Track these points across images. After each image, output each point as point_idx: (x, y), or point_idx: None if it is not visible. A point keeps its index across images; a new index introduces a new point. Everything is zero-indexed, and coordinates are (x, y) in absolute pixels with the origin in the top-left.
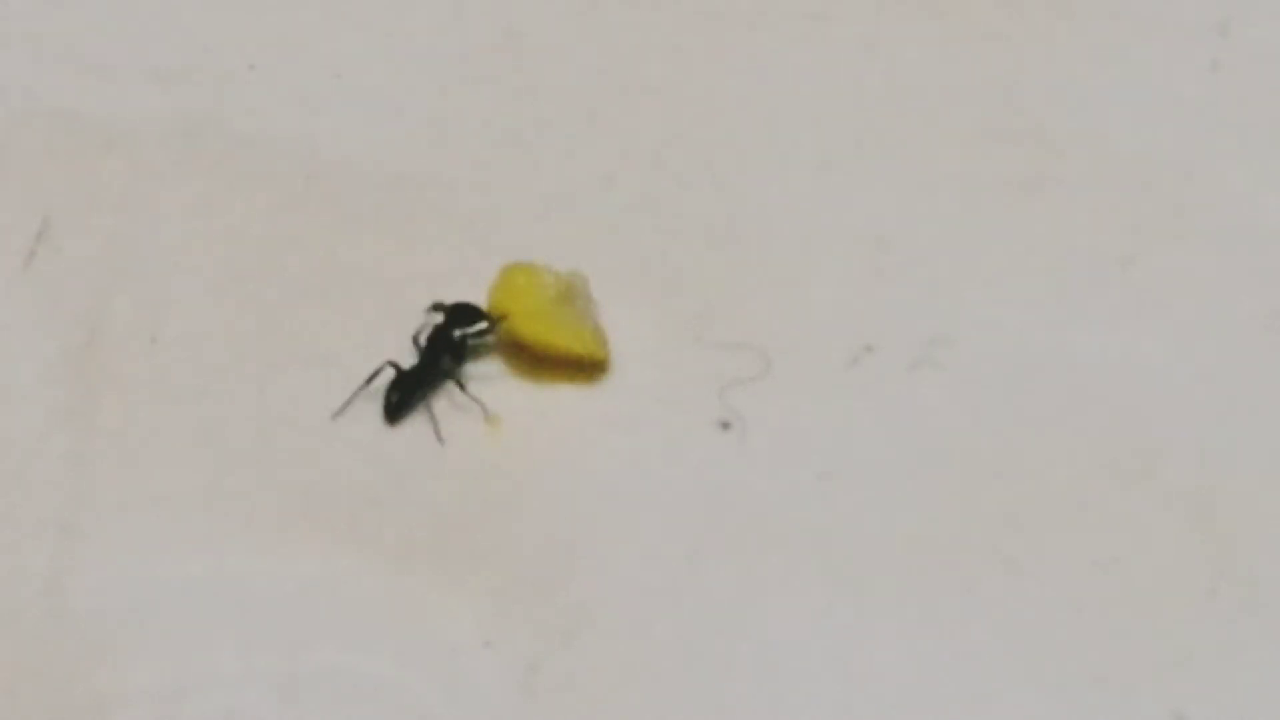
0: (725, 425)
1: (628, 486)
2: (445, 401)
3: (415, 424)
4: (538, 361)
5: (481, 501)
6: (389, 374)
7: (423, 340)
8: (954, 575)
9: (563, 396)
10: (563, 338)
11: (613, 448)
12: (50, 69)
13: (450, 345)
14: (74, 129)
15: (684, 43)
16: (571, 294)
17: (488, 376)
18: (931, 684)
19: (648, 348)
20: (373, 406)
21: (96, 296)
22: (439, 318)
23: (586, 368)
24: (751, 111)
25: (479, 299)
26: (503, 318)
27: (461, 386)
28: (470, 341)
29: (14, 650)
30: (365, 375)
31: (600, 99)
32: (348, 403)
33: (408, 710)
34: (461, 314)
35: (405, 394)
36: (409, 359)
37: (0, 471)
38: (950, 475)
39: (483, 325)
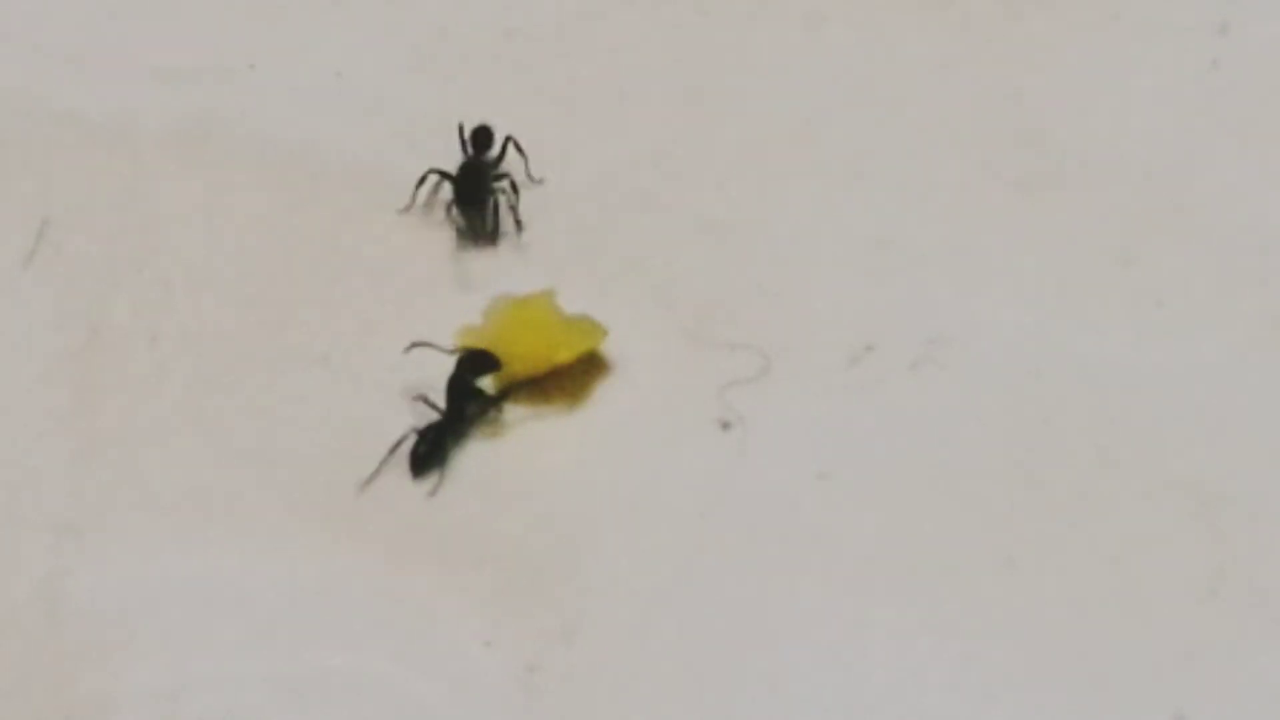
0: (725, 425)
1: (628, 486)
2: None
3: (415, 426)
4: (574, 378)
5: (481, 501)
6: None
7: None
8: (954, 575)
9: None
10: (589, 339)
11: (613, 448)
12: (50, 69)
13: (471, 392)
14: (74, 129)
15: (684, 43)
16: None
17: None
18: (931, 684)
19: (648, 348)
20: (375, 406)
21: (96, 296)
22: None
23: (596, 362)
24: (752, 111)
25: (477, 299)
26: (558, 360)
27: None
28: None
29: (14, 650)
30: (365, 375)
31: (600, 99)
32: (375, 472)
33: (408, 710)
34: (476, 361)
35: (432, 446)
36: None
37: (0, 471)
38: (950, 475)
39: (496, 371)
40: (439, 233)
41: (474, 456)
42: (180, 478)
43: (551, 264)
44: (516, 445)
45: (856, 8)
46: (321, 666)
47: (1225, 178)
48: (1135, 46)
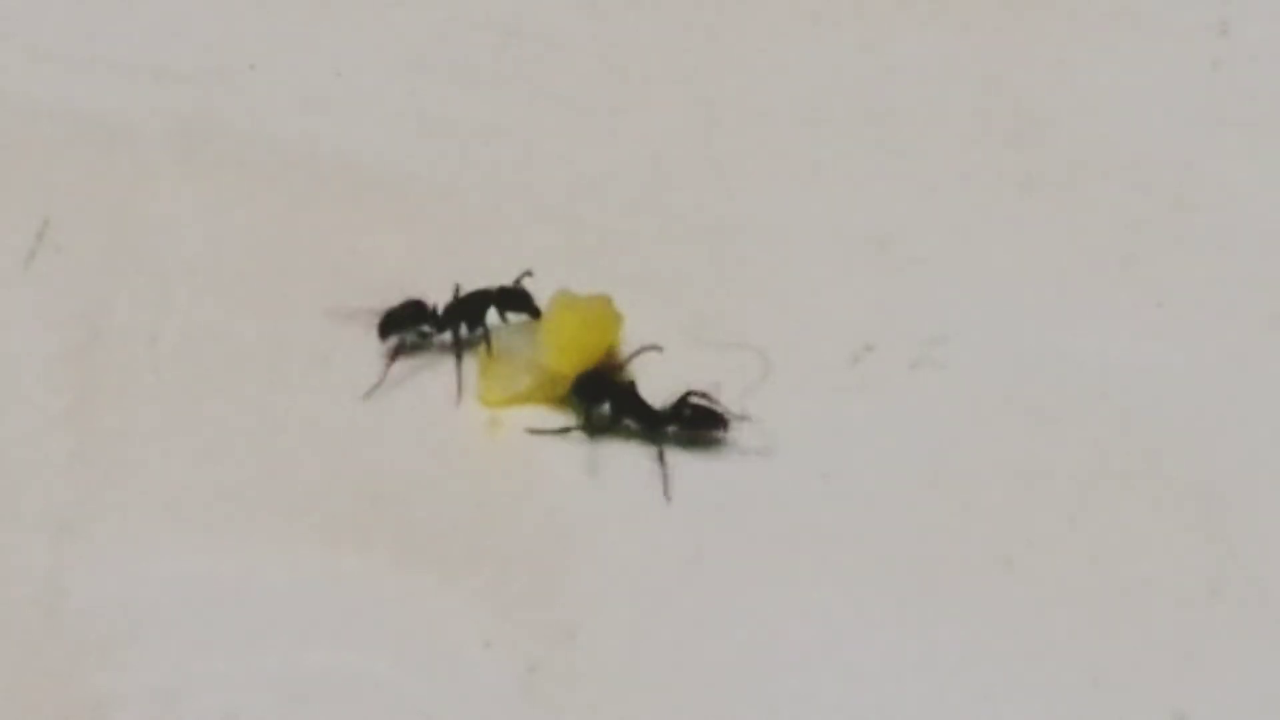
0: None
1: (628, 487)
2: (449, 402)
3: (415, 426)
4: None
5: (481, 501)
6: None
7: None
8: (954, 575)
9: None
10: (614, 325)
11: (613, 448)
12: (50, 69)
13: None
14: (74, 129)
15: (684, 42)
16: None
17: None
18: (931, 684)
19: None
20: (375, 406)
21: (96, 296)
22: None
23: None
24: (751, 111)
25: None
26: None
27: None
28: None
29: (14, 650)
30: (365, 375)
31: (600, 99)
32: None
33: (408, 710)
34: (590, 383)
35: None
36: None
37: (0, 471)
38: (950, 475)
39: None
40: (438, 234)
41: (474, 456)
42: (180, 478)
43: (551, 264)
44: (516, 445)
45: (857, 7)
46: (321, 666)
47: (1225, 178)
48: (1135, 46)
